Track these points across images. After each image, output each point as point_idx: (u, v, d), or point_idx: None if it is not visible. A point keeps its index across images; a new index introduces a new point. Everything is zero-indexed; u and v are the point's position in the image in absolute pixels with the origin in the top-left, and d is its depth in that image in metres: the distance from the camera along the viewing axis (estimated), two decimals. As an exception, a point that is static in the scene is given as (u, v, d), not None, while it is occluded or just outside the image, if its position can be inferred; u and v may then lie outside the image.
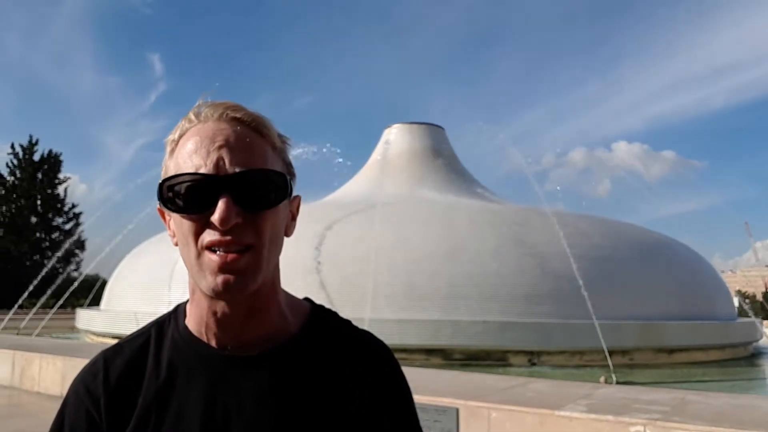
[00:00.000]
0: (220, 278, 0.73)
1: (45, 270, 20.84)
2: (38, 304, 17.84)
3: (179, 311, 0.88)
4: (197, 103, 0.81)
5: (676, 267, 13.04)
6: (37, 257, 37.00)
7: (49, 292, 17.36)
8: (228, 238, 0.73)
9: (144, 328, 0.88)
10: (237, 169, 0.75)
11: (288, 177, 0.80)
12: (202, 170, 0.75)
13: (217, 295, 0.75)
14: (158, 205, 0.81)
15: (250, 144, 0.78)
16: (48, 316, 15.85)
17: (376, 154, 19.23)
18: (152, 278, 12.85)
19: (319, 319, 0.90)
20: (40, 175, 39.23)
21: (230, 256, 0.73)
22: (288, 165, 0.85)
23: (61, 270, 26.53)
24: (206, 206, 0.74)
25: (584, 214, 14.80)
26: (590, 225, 13.36)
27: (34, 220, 38.51)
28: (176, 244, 0.80)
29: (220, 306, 0.78)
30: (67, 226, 40.08)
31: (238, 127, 0.78)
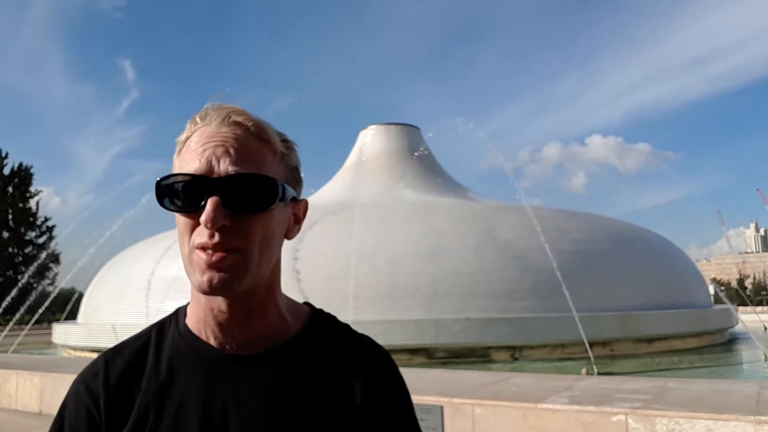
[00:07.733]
0: (206, 276, 0.75)
1: (19, 285, 20.43)
2: (13, 320, 17.47)
3: (180, 312, 0.89)
4: (205, 106, 0.83)
5: (652, 258, 13.25)
6: (10, 272, 36.23)
7: (23, 307, 17.01)
8: (215, 239, 0.74)
9: (145, 329, 0.89)
10: (230, 171, 0.76)
11: (280, 182, 0.79)
12: (195, 171, 0.76)
13: (203, 292, 0.76)
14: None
15: (247, 148, 0.79)
16: (23, 332, 15.52)
17: (354, 156, 19.23)
18: (130, 289, 12.67)
19: (319, 322, 0.91)
20: (10, 189, 38.47)
21: (216, 255, 0.74)
22: (293, 170, 0.85)
23: (35, 285, 26.03)
24: (197, 206, 0.75)
25: (561, 209, 14.98)
26: (567, 219, 13.52)
27: (6, 234, 37.70)
28: None
29: (217, 304, 0.80)
30: (41, 240, 39.32)
31: (238, 131, 0.79)
